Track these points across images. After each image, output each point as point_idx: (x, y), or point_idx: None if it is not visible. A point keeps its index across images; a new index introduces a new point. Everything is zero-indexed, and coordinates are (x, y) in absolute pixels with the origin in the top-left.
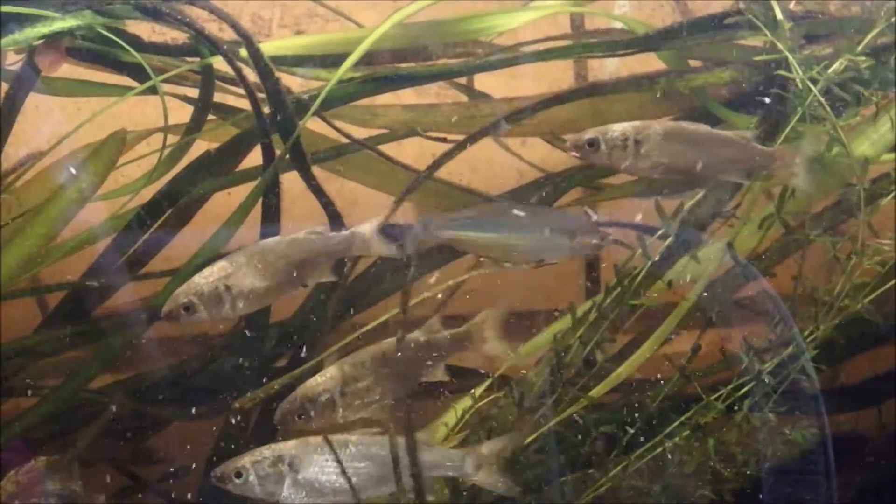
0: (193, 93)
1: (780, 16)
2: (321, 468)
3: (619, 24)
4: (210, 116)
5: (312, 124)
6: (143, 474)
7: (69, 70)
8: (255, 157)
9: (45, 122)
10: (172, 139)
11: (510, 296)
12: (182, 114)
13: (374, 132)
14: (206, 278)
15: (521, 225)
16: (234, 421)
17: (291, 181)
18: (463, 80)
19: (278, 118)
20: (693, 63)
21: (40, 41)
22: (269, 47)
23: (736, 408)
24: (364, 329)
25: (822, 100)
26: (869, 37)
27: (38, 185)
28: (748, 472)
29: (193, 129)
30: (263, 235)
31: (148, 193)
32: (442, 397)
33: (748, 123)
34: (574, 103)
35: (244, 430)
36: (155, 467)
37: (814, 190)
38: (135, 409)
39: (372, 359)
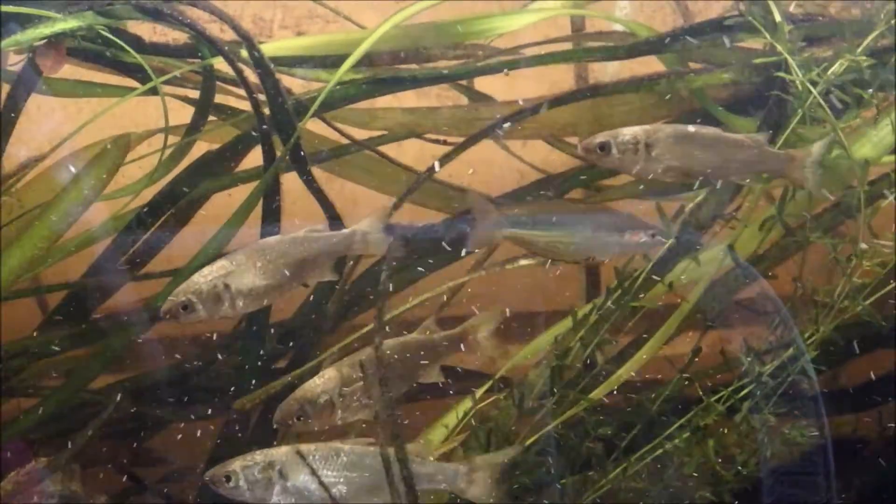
0: (194, 94)
1: (779, 18)
2: (311, 476)
3: (619, 27)
4: (211, 117)
5: (313, 126)
6: (143, 475)
7: (70, 71)
8: (255, 158)
9: (47, 123)
10: (173, 140)
11: (511, 297)
12: (183, 114)
13: (374, 134)
14: (205, 277)
15: (573, 223)
16: (234, 421)
17: (293, 181)
18: (463, 81)
19: (278, 119)
20: (693, 65)
21: (42, 42)
22: (269, 48)
23: (736, 409)
24: (362, 331)
25: (822, 102)
26: (869, 39)
27: (40, 185)
28: (748, 474)
29: (194, 129)
30: (264, 235)
31: (149, 194)
32: (442, 398)
33: (747, 125)
34: (575, 105)
35: (244, 431)
36: (155, 468)
37: (826, 193)
38: (135, 409)
39: (370, 360)
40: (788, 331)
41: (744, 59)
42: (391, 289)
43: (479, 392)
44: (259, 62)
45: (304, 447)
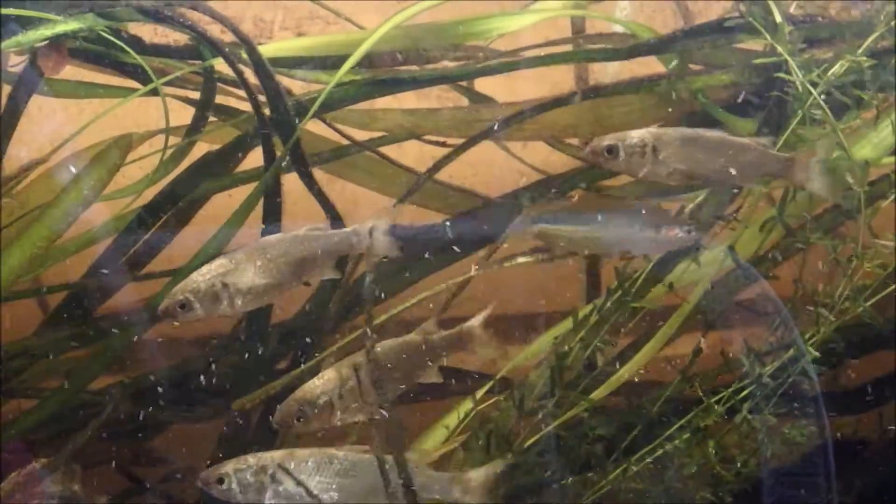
0: (195, 94)
1: (779, 19)
2: (303, 481)
3: (619, 28)
4: (211, 118)
5: (314, 126)
6: (144, 475)
7: (72, 72)
8: (255, 159)
9: (48, 124)
10: (174, 140)
11: (512, 298)
12: (184, 115)
13: (374, 135)
14: (203, 275)
15: (609, 219)
16: (235, 421)
17: (294, 182)
18: (463, 83)
19: (279, 120)
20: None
21: (43, 43)
22: (270, 49)
23: (737, 410)
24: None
25: (823, 103)
26: (869, 40)
27: (41, 186)
28: (749, 475)
29: (195, 130)
30: (265, 236)
31: (149, 194)
32: (442, 399)
33: (747, 127)
34: (575, 106)
35: (246, 432)
36: (156, 468)
37: (831, 195)
38: (136, 410)
39: (366, 363)
40: (789, 332)
41: (744, 60)
42: (393, 290)
43: (480, 393)
44: (259, 65)
45: (298, 452)
